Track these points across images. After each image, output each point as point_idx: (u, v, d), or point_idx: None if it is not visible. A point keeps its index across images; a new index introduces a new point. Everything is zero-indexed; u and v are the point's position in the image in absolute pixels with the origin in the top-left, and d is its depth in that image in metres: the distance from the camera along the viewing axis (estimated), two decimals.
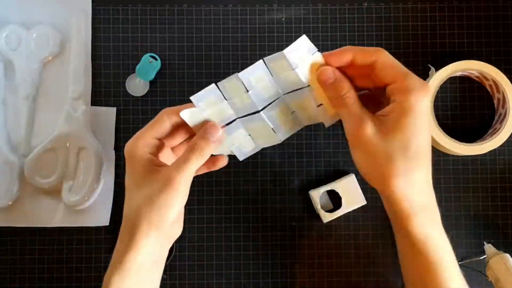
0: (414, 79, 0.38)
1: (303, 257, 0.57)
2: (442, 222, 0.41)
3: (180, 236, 0.45)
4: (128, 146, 0.43)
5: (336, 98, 0.40)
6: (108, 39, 0.58)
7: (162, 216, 0.40)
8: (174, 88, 0.58)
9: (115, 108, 0.58)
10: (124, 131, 0.57)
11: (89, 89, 0.58)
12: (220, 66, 0.58)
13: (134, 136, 0.44)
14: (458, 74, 0.56)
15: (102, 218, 0.57)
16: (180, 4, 0.58)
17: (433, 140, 0.54)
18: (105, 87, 0.58)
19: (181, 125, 0.44)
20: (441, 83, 0.55)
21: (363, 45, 0.58)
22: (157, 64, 0.57)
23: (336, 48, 0.58)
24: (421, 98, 0.38)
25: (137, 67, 0.57)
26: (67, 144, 0.56)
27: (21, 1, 0.59)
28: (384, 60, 0.39)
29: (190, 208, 0.56)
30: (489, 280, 0.54)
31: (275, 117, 0.44)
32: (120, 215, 0.56)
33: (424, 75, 0.57)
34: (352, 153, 0.41)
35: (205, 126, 0.43)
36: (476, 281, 0.55)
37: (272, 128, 0.45)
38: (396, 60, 0.39)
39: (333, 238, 0.57)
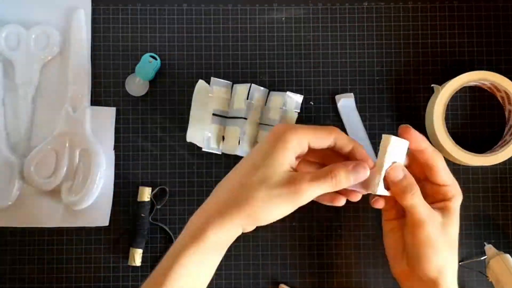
0: (457, 187, 0.47)
1: (303, 258, 0.57)
2: None
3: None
4: (283, 128, 0.43)
5: (406, 195, 0.44)
6: (108, 39, 0.58)
7: (265, 212, 0.41)
8: (174, 88, 0.58)
9: (114, 108, 0.57)
10: (124, 131, 0.57)
11: (88, 89, 0.58)
12: (220, 66, 0.58)
13: (294, 125, 0.44)
14: (470, 84, 0.56)
15: (101, 219, 0.56)
16: (180, 4, 0.58)
17: (444, 149, 0.54)
18: (104, 87, 0.58)
19: (329, 150, 0.45)
20: (453, 93, 0.54)
21: (362, 45, 0.58)
22: (157, 63, 0.57)
23: (336, 47, 0.58)
24: (459, 202, 0.47)
25: (137, 66, 0.57)
26: (67, 144, 0.56)
27: (21, 1, 0.59)
28: (443, 165, 0.46)
29: (189, 209, 0.57)
30: (490, 280, 0.54)
31: (247, 133, 0.54)
32: (119, 216, 0.57)
33: (424, 75, 0.58)
34: (410, 241, 0.46)
35: (359, 163, 0.43)
36: (477, 282, 0.55)
37: (239, 141, 0.54)
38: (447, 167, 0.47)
39: (333, 238, 0.57)
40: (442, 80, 0.56)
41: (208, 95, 0.55)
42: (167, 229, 0.56)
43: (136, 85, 0.58)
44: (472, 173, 0.57)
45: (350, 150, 0.45)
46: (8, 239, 0.56)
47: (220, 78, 0.57)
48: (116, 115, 0.57)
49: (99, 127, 0.57)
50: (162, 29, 0.58)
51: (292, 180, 0.41)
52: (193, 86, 0.57)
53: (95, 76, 0.58)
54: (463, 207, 0.48)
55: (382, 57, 0.58)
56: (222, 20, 0.58)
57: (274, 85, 0.57)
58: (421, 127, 0.57)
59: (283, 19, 0.58)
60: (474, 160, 0.54)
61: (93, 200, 0.56)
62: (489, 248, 0.55)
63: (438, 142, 0.54)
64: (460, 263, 0.55)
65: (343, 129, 0.56)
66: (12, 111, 0.57)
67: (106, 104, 0.58)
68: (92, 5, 0.58)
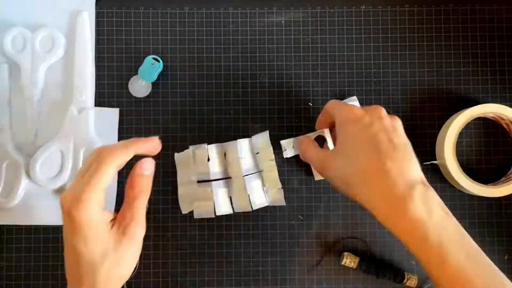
0: (335, 113, 0.49)
1: (302, 255, 0.57)
2: None
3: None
4: (76, 211, 0.38)
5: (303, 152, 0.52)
6: (111, 41, 0.59)
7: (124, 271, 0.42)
8: (176, 90, 0.58)
9: (118, 109, 0.58)
10: (127, 132, 0.58)
11: (92, 90, 0.58)
12: (221, 68, 0.58)
13: (75, 190, 0.39)
14: (488, 116, 0.56)
15: None
16: (181, 7, 0.59)
17: (453, 179, 0.54)
18: (108, 88, 0.58)
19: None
20: (460, 130, 0.54)
21: (360, 48, 0.58)
22: (159, 66, 0.57)
23: (335, 49, 0.59)
24: (341, 123, 0.47)
25: (140, 68, 0.57)
26: (71, 144, 0.57)
27: (26, 4, 0.59)
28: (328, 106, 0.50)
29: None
30: None
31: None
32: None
33: (420, 77, 0.58)
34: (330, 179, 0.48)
35: (141, 163, 0.43)
36: None
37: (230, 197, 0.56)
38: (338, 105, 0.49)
39: (332, 236, 0.57)
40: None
41: (188, 164, 0.55)
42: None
43: (139, 86, 0.58)
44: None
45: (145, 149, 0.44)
46: (14, 237, 0.57)
47: (220, 80, 0.58)
48: (120, 116, 0.58)
49: (103, 127, 0.58)
50: (164, 32, 0.59)
51: (123, 231, 0.40)
52: (195, 88, 0.58)
53: (99, 77, 0.58)
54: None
55: (379, 59, 0.58)
56: (223, 23, 0.59)
57: (273, 86, 0.58)
58: (414, 120, 0.58)
59: (283, 22, 0.59)
60: (482, 191, 0.54)
61: None
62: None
63: (448, 170, 0.54)
64: None
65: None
66: (18, 112, 0.58)
67: (110, 105, 0.58)
68: (96, 8, 0.59)
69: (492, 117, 0.57)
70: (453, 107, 0.57)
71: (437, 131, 0.57)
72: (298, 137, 0.54)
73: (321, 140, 0.54)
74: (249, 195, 0.55)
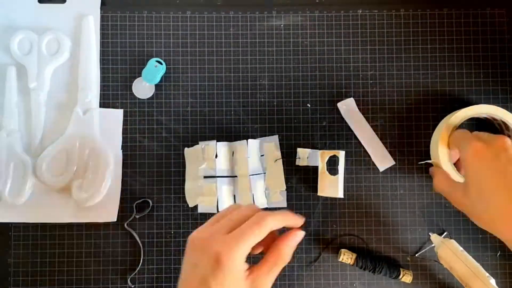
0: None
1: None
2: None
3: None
4: (227, 256, 0.39)
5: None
6: (116, 44, 0.60)
7: None
8: (178, 91, 0.59)
9: (122, 110, 0.59)
10: (131, 132, 0.59)
11: (97, 91, 0.59)
12: (222, 70, 0.59)
13: (229, 239, 0.40)
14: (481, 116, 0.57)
15: (109, 214, 0.58)
16: (184, 11, 0.60)
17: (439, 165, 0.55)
18: (112, 90, 0.59)
19: None
20: (454, 130, 0.54)
21: (357, 51, 0.60)
22: (162, 68, 0.58)
23: (332, 52, 0.60)
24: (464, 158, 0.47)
25: (143, 71, 0.58)
26: (77, 144, 0.58)
27: (33, 8, 0.60)
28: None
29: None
30: (445, 267, 0.55)
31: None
32: (126, 212, 0.58)
33: (415, 79, 0.60)
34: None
35: (296, 233, 0.43)
36: (439, 269, 0.57)
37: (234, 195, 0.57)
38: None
39: (329, 233, 0.59)
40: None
41: (199, 158, 0.57)
42: (137, 238, 0.58)
43: (143, 88, 0.59)
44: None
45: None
46: (22, 234, 0.58)
47: (221, 82, 0.59)
48: (124, 117, 0.59)
49: (108, 128, 0.59)
50: (167, 35, 0.60)
51: (252, 281, 0.40)
52: (197, 90, 0.59)
53: (103, 79, 0.59)
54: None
55: (376, 61, 0.60)
56: (224, 27, 0.60)
57: (273, 88, 0.59)
58: (410, 120, 0.59)
59: (282, 25, 0.60)
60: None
61: (102, 197, 0.58)
62: (434, 238, 0.56)
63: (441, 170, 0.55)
64: (416, 255, 0.57)
65: (349, 133, 0.59)
66: (25, 113, 0.59)
67: (114, 106, 0.59)
68: (101, 12, 0.60)
69: (485, 117, 0.58)
70: (447, 108, 0.59)
71: (432, 132, 0.59)
72: (431, 168, 0.55)
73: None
74: (253, 194, 0.56)
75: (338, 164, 0.56)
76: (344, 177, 0.57)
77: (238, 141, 0.57)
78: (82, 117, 0.58)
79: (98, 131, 0.59)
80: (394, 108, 0.59)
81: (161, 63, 0.59)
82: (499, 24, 0.60)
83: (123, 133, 0.59)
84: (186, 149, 0.58)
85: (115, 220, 0.58)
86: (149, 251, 0.58)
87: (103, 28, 0.60)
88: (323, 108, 0.59)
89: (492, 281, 0.53)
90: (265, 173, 0.57)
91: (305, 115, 0.59)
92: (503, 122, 0.56)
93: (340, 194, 0.56)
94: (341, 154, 0.55)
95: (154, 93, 0.59)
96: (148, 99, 0.59)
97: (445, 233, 0.58)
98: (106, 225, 0.58)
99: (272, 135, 0.58)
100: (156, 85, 0.59)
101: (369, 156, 0.59)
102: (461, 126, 0.56)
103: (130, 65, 0.60)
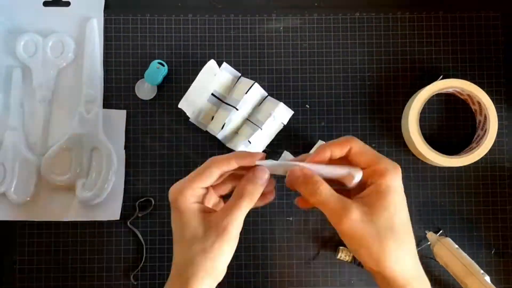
0: (387, 162, 0.41)
1: (300, 249, 0.60)
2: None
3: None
4: (173, 195, 0.42)
5: (311, 194, 0.40)
6: (119, 47, 0.61)
7: (217, 265, 0.41)
8: (180, 92, 0.60)
9: (125, 111, 0.60)
10: (134, 132, 0.60)
11: (101, 92, 0.60)
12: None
13: (180, 184, 0.42)
14: (449, 91, 0.59)
15: (113, 213, 0.59)
16: (185, 14, 0.61)
17: (418, 151, 0.58)
18: (116, 91, 0.61)
19: (228, 173, 0.43)
20: (428, 98, 0.57)
21: (354, 53, 0.61)
22: (164, 70, 0.60)
23: (331, 54, 0.62)
24: (396, 178, 0.40)
25: (146, 72, 0.60)
26: (81, 144, 0.59)
27: (38, 11, 0.61)
28: (356, 147, 0.41)
29: None
30: (441, 264, 0.57)
31: (233, 122, 0.58)
32: (129, 210, 0.60)
33: (412, 80, 0.61)
34: (342, 237, 0.41)
35: (254, 170, 0.42)
36: (435, 266, 0.58)
37: (223, 125, 0.57)
38: (367, 146, 0.42)
39: (327, 232, 0.60)
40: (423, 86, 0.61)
41: (213, 75, 0.58)
42: (139, 236, 0.59)
43: (145, 89, 0.61)
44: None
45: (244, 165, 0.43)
46: (27, 232, 0.59)
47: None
48: (127, 117, 0.60)
49: (111, 128, 0.60)
50: (169, 38, 0.61)
51: (214, 224, 0.41)
52: None
53: (107, 80, 0.61)
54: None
55: (373, 63, 0.61)
56: (224, 29, 0.61)
57: (273, 89, 0.61)
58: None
59: (281, 28, 0.61)
60: (445, 161, 0.57)
61: (105, 196, 0.59)
62: (430, 236, 0.57)
63: (413, 143, 0.57)
64: None
65: (347, 133, 0.60)
66: (30, 114, 0.60)
67: (117, 107, 0.61)
68: (104, 15, 0.61)
69: (465, 98, 0.60)
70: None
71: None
72: (295, 167, 0.42)
73: None
74: (237, 134, 0.58)
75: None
76: None
77: (246, 79, 0.59)
78: (86, 117, 0.60)
79: (101, 131, 0.60)
80: (391, 109, 0.61)
81: (163, 65, 0.60)
82: (493, 27, 0.62)
83: (126, 133, 0.60)
84: (207, 64, 0.58)
85: (118, 218, 0.59)
86: (151, 249, 0.59)
87: (106, 30, 0.61)
88: (322, 109, 0.61)
89: (487, 278, 0.54)
90: (261, 128, 0.57)
91: (304, 116, 0.61)
92: (469, 96, 0.58)
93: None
94: (356, 175, 0.51)
95: (156, 94, 0.61)
96: (150, 99, 0.61)
97: (441, 231, 0.59)
98: (109, 223, 0.60)
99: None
100: (158, 86, 0.61)
101: None
102: (431, 101, 0.59)
103: (133, 66, 0.61)
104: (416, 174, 0.60)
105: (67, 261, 0.59)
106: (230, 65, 0.60)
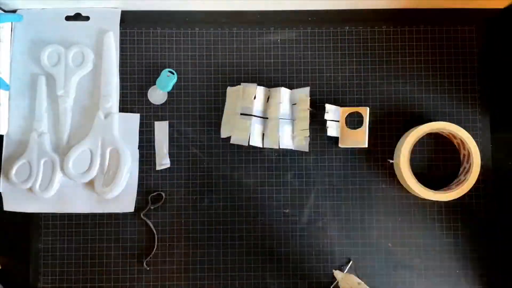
0: None
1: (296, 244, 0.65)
2: None
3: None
4: None
5: None
6: (133, 57, 0.65)
7: None
8: (188, 98, 0.65)
9: (139, 114, 0.64)
10: (147, 133, 0.64)
11: (117, 98, 0.64)
12: (226, 80, 0.65)
13: None
14: (432, 131, 0.63)
15: (128, 206, 0.63)
16: (192, 27, 0.66)
17: (408, 186, 0.61)
18: (130, 97, 0.65)
19: None
20: (417, 140, 0.61)
21: (344, 62, 0.65)
22: (174, 77, 0.63)
23: (323, 64, 0.65)
24: None
25: (157, 80, 0.63)
26: (99, 145, 0.63)
27: (61, 25, 0.65)
28: None
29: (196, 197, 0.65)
30: None
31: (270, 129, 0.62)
32: (142, 203, 0.62)
33: (396, 86, 0.66)
34: None
35: None
36: None
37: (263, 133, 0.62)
38: None
39: (320, 222, 0.65)
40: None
41: (239, 97, 0.62)
42: (151, 226, 0.63)
43: (157, 95, 0.65)
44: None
45: None
46: (51, 223, 0.64)
47: (225, 89, 0.65)
48: (140, 120, 0.64)
49: (126, 130, 0.64)
50: (178, 49, 0.66)
51: None
52: (204, 96, 0.65)
53: (122, 87, 0.65)
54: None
55: (361, 72, 0.66)
56: (227, 41, 0.66)
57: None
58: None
59: (279, 40, 0.66)
60: (432, 196, 0.61)
61: (121, 191, 0.63)
62: (336, 273, 0.60)
63: (404, 180, 0.62)
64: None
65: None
66: (53, 117, 0.64)
67: (132, 111, 0.65)
68: (120, 29, 0.65)
69: (446, 135, 0.64)
70: (417, 120, 0.65)
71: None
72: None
73: None
74: (279, 136, 0.62)
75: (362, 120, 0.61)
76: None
77: (274, 88, 0.63)
78: (104, 120, 0.63)
79: (117, 133, 0.64)
80: (377, 113, 0.66)
81: (173, 73, 0.64)
82: (469, 39, 0.67)
83: (139, 135, 0.64)
84: (228, 88, 0.63)
85: (133, 210, 0.63)
86: (162, 238, 0.64)
87: (122, 42, 0.65)
88: (314, 113, 0.65)
89: None
90: (294, 120, 0.63)
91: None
92: (462, 141, 0.61)
93: (365, 144, 0.61)
94: (366, 111, 0.60)
95: (167, 99, 0.65)
96: (161, 104, 0.65)
97: (351, 262, 0.63)
98: (124, 215, 0.64)
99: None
100: (169, 93, 0.65)
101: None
102: (423, 139, 0.63)
103: (146, 74, 0.65)
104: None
105: (86, 249, 0.64)
106: (232, 73, 0.65)
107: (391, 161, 0.64)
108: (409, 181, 0.61)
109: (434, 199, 0.62)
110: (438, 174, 0.65)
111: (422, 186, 0.61)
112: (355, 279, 0.57)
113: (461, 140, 0.62)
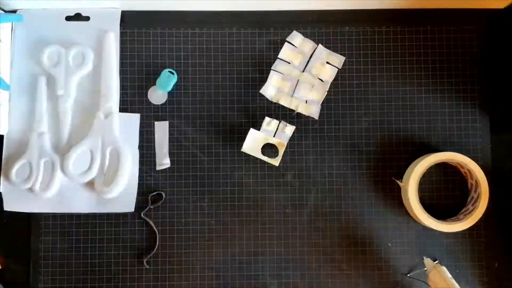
0: None
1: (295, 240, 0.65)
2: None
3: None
4: None
5: None
6: (133, 57, 0.66)
7: None
8: (188, 98, 0.65)
9: (139, 114, 0.65)
10: (147, 134, 0.65)
11: (117, 98, 0.64)
12: (226, 79, 0.65)
13: None
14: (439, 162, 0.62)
15: (128, 205, 0.63)
16: (193, 28, 0.66)
17: (416, 217, 0.61)
18: (130, 97, 0.65)
19: None
20: (425, 170, 0.61)
21: (344, 62, 0.65)
22: (174, 78, 0.64)
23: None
24: None
25: (157, 80, 0.64)
26: (99, 144, 0.63)
27: (61, 25, 0.65)
28: None
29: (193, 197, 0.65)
30: None
31: None
32: (143, 203, 0.63)
33: (395, 87, 0.66)
34: None
35: None
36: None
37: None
38: None
39: (320, 221, 0.65)
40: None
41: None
42: (153, 225, 0.64)
43: (157, 95, 0.65)
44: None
45: None
46: (51, 223, 0.64)
47: (226, 90, 0.65)
48: (140, 120, 0.65)
49: (126, 130, 0.64)
50: (178, 49, 0.66)
51: None
52: (204, 96, 0.65)
53: (122, 87, 0.65)
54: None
55: (360, 72, 0.66)
56: (228, 42, 0.66)
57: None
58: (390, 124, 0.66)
59: (279, 41, 0.66)
60: (439, 226, 0.61)
61: (121, 190, 0.63)
62: (427, 262, 0.60)
63: (412, 210, 0.61)
64: (407, 275, 0.62)
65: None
66: (53, 117, 0.64)
67: (132, 111, 0.65)
68: (120, 29, 0.66)
69: (454, 165, 0.64)
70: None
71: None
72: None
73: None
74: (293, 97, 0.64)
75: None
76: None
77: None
78: (104, 120, 0.64)
79: (118, 133, 0.64)
80: (377, 113, 0.66)
81: (173, 73, 0.64)
82: (469, 39, 0.67)
83: (139, 135, 0.65)
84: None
85: (133, 210, 0.64)
86: (162, 237, 0.64)
87: (122, 42, 0.66)
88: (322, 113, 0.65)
89: None
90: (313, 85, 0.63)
91: (291, 119, 0.65)
92: (469, 171, 0.61)
93: None
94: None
95: (167, 100, 0.65)
96: (161, 105, 0.65)
97: (437, 261, 0.63)
98: (125, 215, 0.64)
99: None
100: (169, 93, 0.65)
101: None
102: (435, 172, 0.63)
103: (146, 75, 0.65)
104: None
105: (86, 249, 0.64)
106: (232, 73, 0.65)
107: (399, 183, 0.63)
108: (417, 212, 0.61)
109: (445, 231, 0.61)
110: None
111: (431, 217, 0.61)
112: (447, 272, 0.58)
113: (469, 170, 0.62)
